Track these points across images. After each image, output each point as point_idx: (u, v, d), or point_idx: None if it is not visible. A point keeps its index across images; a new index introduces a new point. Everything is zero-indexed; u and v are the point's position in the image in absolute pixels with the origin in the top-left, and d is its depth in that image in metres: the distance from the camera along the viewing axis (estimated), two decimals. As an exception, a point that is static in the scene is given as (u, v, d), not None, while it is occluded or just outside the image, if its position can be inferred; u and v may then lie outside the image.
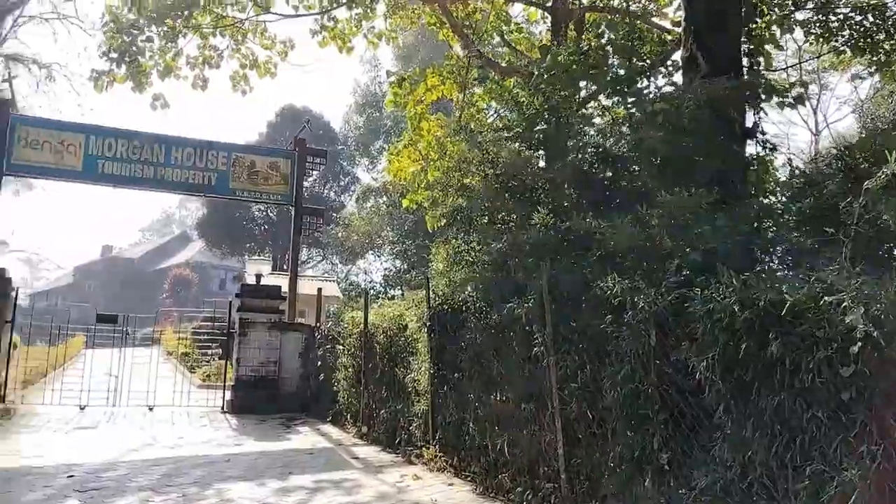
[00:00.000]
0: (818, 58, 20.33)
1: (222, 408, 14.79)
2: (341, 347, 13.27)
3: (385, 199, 30.53)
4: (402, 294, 23.66)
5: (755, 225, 6.96)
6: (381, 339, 11.67)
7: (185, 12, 16.23)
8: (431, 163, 17.17)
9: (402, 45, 39.26)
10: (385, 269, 31.49)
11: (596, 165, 8.87)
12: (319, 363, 14.58)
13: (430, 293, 9.83)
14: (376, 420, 11.30)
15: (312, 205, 18.37)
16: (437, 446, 9.18)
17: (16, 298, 14.00)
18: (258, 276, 15.43)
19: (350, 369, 12.69)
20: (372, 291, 32.26)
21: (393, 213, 30.13)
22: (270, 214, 42.51)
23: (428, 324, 9.64)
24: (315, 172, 17.64)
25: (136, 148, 15.54)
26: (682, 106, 7.98)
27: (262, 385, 14.85)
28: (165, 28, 16.13)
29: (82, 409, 14.15)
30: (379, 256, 32.01)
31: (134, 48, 15.81)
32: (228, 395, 14.94)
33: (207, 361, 24.08)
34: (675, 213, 6.63)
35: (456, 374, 9.12)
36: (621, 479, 5.97)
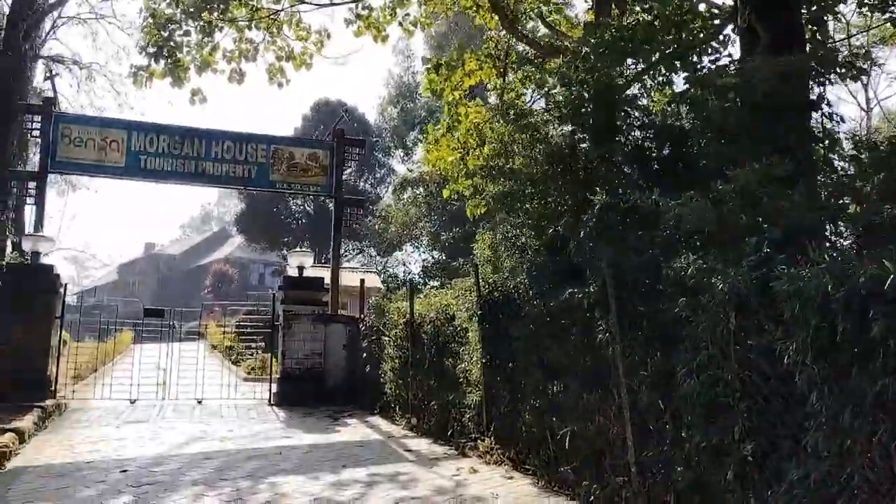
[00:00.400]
0: (867, 31, 19.59)
1: (269, 400, 14.72)
2: (387, 338, 13.08)
3: (422, 189, 30.29)
4: (442, 284, 23.45)
5: (831, 199, 6.57)
6: (429, 329, 11.45)
7: (221, 6, 16.14)
8: (471, 150, 16.89)
9: (434, 35, 39.01)
10: (423, 259, 31.37)
11: (654, 143, 8.54)
12: (365, 355, 14.42)
13: (480, 281, 9.56)
14: (426, 412, 11.09)
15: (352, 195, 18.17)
16: (492, 438, 8.93)
17: (64, 295, 14.03)
18: (300, 268, 15.31)
19: (397, 360, 12.50)
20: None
21: (431, 203, 29.91)
22: (308, 208, 42.58)
23: (479, 312, 9.37)
24: (353, 163, 17.35)
25: (176, 143, 15.49)
26: (754, 78, 7.58)
27: (307, 377, 14.74)
28: (202, 22, 16.06)
29: (132, 402, 14.18)
30: (417, 248, 31.83)
31: (171, 43, 15.75)
32: (275, 387, 14.86)
33: (251, 354, 24.13)
34: (749, 188, 6.26)
35: (510, 364, 8.87)
36: (699, 472, 5.66)
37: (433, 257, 31.89)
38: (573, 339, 7.54)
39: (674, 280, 5.80)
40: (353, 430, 11.49)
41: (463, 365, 9.99)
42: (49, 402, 12.48)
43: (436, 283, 29.80)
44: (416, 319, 11.84)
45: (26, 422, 10.58)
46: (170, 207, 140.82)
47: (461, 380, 10.00)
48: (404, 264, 33.00)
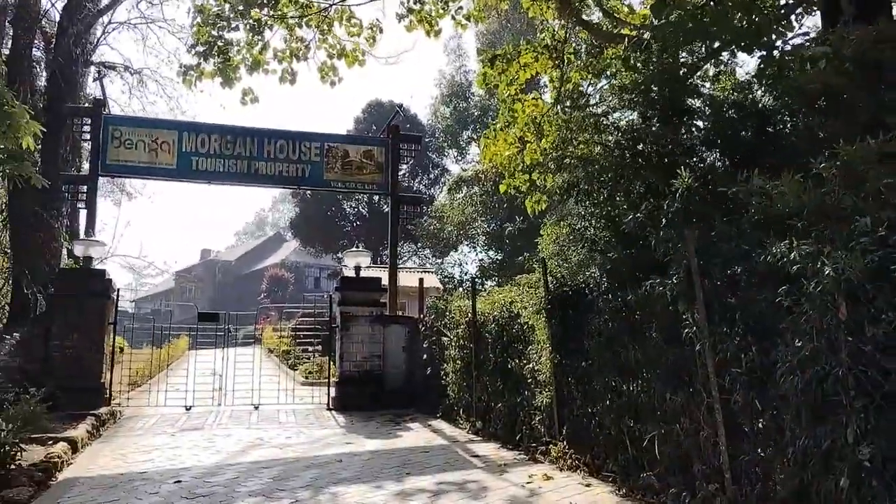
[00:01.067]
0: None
1: (327, 405, 14.34)
2: (448, 339, 12.56)
3: (478, 188, 29.71)
4: (499, 284, 22.81)
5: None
6: (492, 328, 10.90)
7: (271, 1, 15.86)
8: (528, 145, 16.31)
9: (485, 33, 38.50)
10: (480, 259, 30.79)
11: (735, 123, 7.85)
12: (425, 356, 13.93)
13: (548, 276, 8.96)
14: (492, 414, 10.53)
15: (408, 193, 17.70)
16: (564, 442, 8.32)
17: (117, 300, 13.89)
18: (357, 269, 14.91)
19: (459, 361, 11.97)
20: (467, 283, 31.61)
21: (487, 201, 29.34)
22: (362, 210, 42.44)
23: (548, 309, 8.78)
24: (409, 159, 16.90)
25: (228, 143, 15.27)
26: (845, 50, 6.85)
27: (366, 380, 14.32)
28: (251, 20, 15.80)
29: (188, 409, 13.95)
30: (474, 247, 31.26)
31: (221, 42, 15.54)
32: (333, 391, 14.48)
33: (308, 358, 23.91)
34: (854, 165, 5.54)
35: (583, 363, 8.26)
36: (804, 480, 4.98)
37: (489, 257, 31.30)
38: (654, 335, 6.92)
39: (771, 267, 5.15)
40: (415, 435, 10.98)
41: (530, 365, 9.40)
42: (103, 409, 12.31)
43: (492, 284, 29.26)
44: (478, 318, 11.31)
45: (80, 431, 10.37)
46: (225, 214, 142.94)
47: (529, 380, 9.41)
48: (460, 264, 32.52)
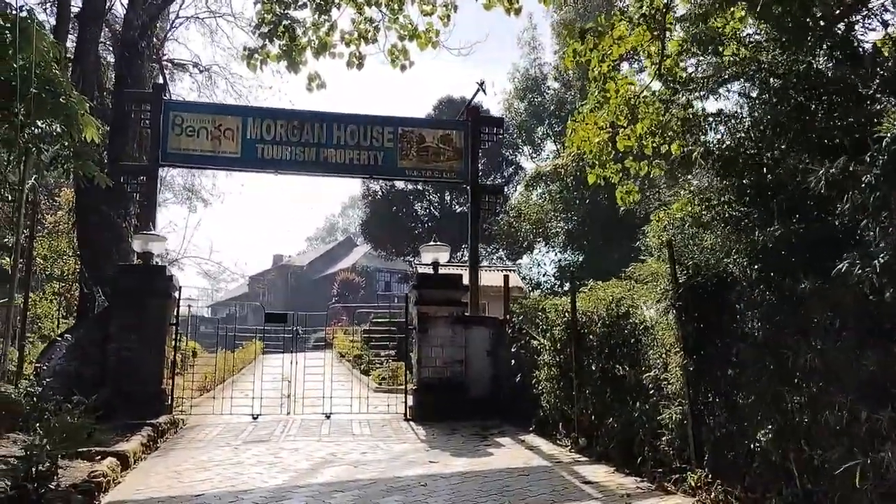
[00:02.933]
0: None
1: (404, 414, 12.95)
2: (541, 342, 11.02)
3: (557, 184, 28.02)
4: (577, 287, 20.94)
5: None
6: (598, 329, 9.31)
7: (341, -23, 14.68)
8: (620, 130, 14.65)
9: (562, 22, 36.76)
10: (559, 260, 29.09)
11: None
12: (513, 362, 12.40)
13: (676, 265, 7.33)
14: (600, 431, 8.91)
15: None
16: (707, 470, 6.66)
17: (179, 299, 12.81)
18: (436, 265, 13.48)
19: (555, 368, 10.41)
20: (546, 286, 29.95)
21: (567, 197, 27.64)
22: (433, 211, 41.22)
23: (678, 304, 7.14)
24: (491, 144, 15.43)
25: (295, 129, 14.08)
26: None
27: (447, 388, 12.86)
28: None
29: (255, 418, 12.76)
30: (553, 247, 29.55)
31: (286, 20, 14.39)
32: (410, 400, 13.08)
33: (381, 363, 22.65)
34: None
35: (728, 371, 6.61)
36: None
37: (567, 258, 29.58)
38: (841, 333, 5.26)
39: None
40: (509, 453, 9.45)
41: (652, 373, 7.78)
42: (163, 418, 11.19)
43: (566, 286, 27.48)
44: (579, 318, 9.73)
45: (132, 444, 9.21)
46: (296, 219, 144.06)
47: (650, 391, 7.78)
48: (538, 265, 30.87)
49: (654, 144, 13.31)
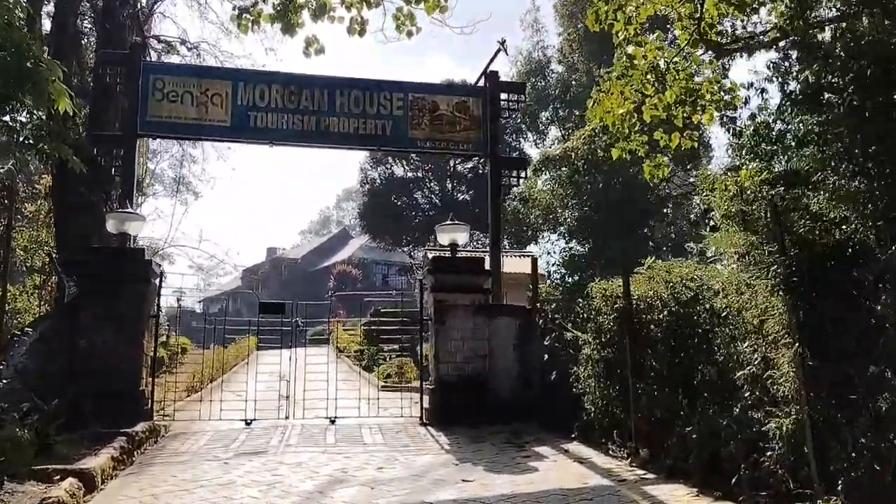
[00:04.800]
0: None
1: (420, 418, 11.36)
2: (583, 335, 9.43)
3: (566, 169, 26.32)
4: (585, 279, 19.46)
5: None
6: (661, 317, 7.73)
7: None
8: (648, 100, 13.11)
9: (565, 3, 35.12)
10: (569, 248, 27.42)
11: None
12: (546, 357, 10.79)
13: (783, 232, 5.75)
14: (669, 440, 7.30)
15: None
16: (842, 497, 5.08)
17: (160, 287, 11.18)
18: (454, 247, 11.85)
19: (601, 364, 8.81)
20: (555, 276, 28.32)
21: (579, 181, 25.94)
22: (435, 200, 39.59)
23: (793, 281, 5.55)
24: (513, 113, 13.77)
25: (292, 94, 12.41)
26: None
27: (468, 388, 11.24)
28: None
29: (248, 424, 11.16)
30: (563, 235, 27.87)
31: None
32: (426, 400, 11.49)
33: (385, 358, 21.06)
34: None
35: (871, 368, 5.03)
36: None
37: (577, 247, 27.88)
38: None
39: None
40: (556, 468, 7.83)
41: (745, 371, 6.19)
42: (140, 426, 9.53)
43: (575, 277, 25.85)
44: (635, 304, 8.15)
45: (101, 459, 7.56)
46: (289, 213, 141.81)
47: (747, 394, 6.19)
48: (549, 254, 29.17)
49: (686, 114, 11.89)
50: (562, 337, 10.48)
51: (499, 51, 13.33)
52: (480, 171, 39.08)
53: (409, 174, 40.01)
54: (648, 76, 13.84)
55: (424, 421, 11.20)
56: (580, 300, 9.82)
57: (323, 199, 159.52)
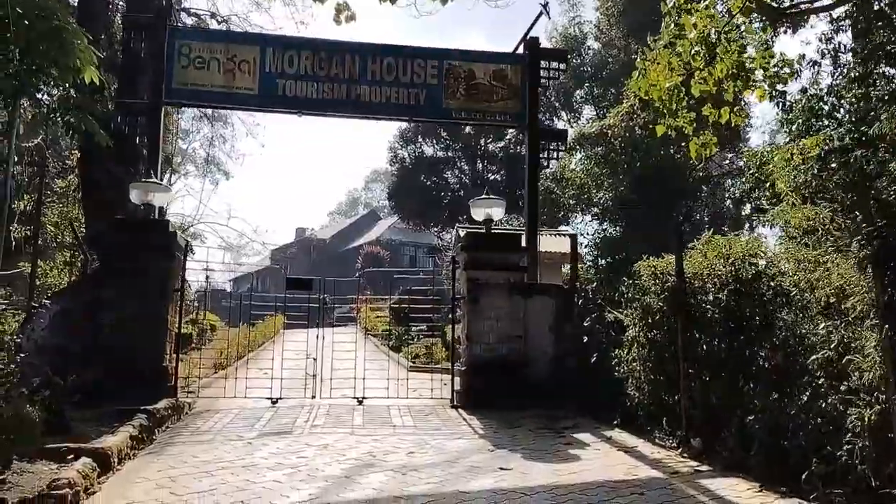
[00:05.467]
0: None
1: (451, 400, 10.87)
2: (627, 315, 8.86)
3: (602, 148, 25.55)
4: (618, 262, 18.65)
5: None
6: (719, 296, 7.13)
7: None
8: (697, 73, 12.40)
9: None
10: (603, 230, 26.66)
11: None
12: (585, 338, 10.23)
13: (871, 203, 5.13)
14: (725, 430, 6.72)
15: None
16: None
17: (185, 260, 10.79)
18: (488, 223, 11.29)
19: (648, 346, 8.23)
20: (586, 259, 27.57)
21: (616, 160, 25.15)
22: (465, 179, 38.96)
23: (883, 255, 4.94)
24: (553, 82, 13.09)
25: (322, 61, 11.87)
26: None
27: (501, 369, 10.73)
28: None
29: (274, 403, 10.76)
30: (598, 217, 27.09)
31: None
32: (457, 383, 11.01)
33: (413, 339, 20.61)
34: None
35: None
36: None
37: (612, 229, 27.09)
38: None
39: None
40: (600, 457, 7.28)
41: (818, 355, 5.59)
42: (162, 403, 9.16)
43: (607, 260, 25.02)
44: (688, 283, 7.56)
45: (118, 438, 7.18)
46: (318, 194, 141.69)
47: (819, 380, 5.59)
48: (583, 235, 28.38)
49: (736, 89, 11.28)
50: (602, 318, 9.93)
51: (540, 14, 12.67)
52: (512, 151, 38.38)
53: (440, 153, 39.41)
54: (698, 47, 13.12)
55: (455, 403, 10.72)
56: (624, 279, 9.22)
57: (351, 181, 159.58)
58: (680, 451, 7.19)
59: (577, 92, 37.34)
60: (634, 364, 8.54)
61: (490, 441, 8.12)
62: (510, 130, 38.07)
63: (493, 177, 38.30)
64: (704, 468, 6.60)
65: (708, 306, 7.27)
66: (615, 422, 8.82)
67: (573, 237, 12.45)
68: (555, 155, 12.80)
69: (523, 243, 11.88)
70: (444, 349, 18.57)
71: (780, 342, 6.29)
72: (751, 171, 16.47)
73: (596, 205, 27.44)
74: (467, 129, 38.11)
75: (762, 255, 7.01)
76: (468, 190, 38.05)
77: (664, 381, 7.91)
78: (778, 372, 6.23)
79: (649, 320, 8.25)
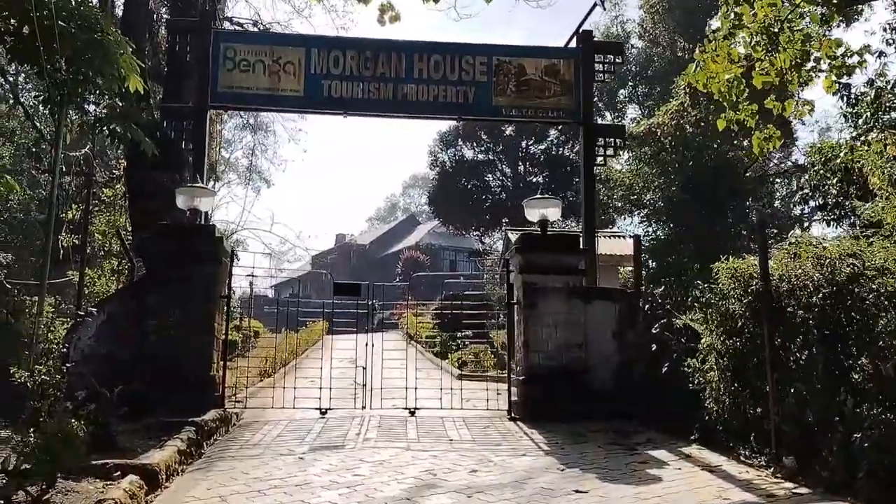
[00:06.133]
0: None
1: (508, 412, 10.35)
2: (703, 320, 8.26)
3: (650, 147, 24.80)
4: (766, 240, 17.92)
5: None
6: (813, 300, 6.52)
7: None
8: (758, 64, 11.75)
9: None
10: (654, 232, 25.83)
11: None
12: (654, 346, 9.62)
13: None
14: (826, 448, 6.09)
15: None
16: None
17: (231, 266, 10.45)
18: (544, 223, 10.76)
19: (729, 355, 7.62)
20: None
21: (666, 160, 24.39)
22: (506, 182, 38.45)
23: None
24: (608, 76, 12.52)
25: (367, 61, 11.48)
26: None
27: (562, 379, 10.16)
28: None
29: (323, 414, 10.36)
30: (647, 220, 26.27)
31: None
32: (514, 392, 10.49)
33: (459, 345, 20.10)
34: None
35: None
36: None
37: (659, 231, 26.23)
38: None
39: None
40: (682, 476, 6.68)
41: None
42: (210, 414, 8.83)
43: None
44: (775, 287, 6.96)
45: (166, 452, 6.83)
46: (356, 200, 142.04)
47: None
48: (630, 236, 27.55)
49: (801, 80, 10.66)
50: (671, 324, 9.34)
51: (594, 6, 12.15)
52: (553, 153, 37.84)
53: (480, 156, 38.99)
54: (758, 37, 12.42)
55: (513, 415, 10.19)
56: (698, 282, 8.63)
57: (390, 186, 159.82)
58: (771, 470, 6.57)
59: (621, 91, 36.62)
60: (712, 374, 7.93)
61: (558, 459, 7.57)
62: (552, 132, 37.58)
63: (534, 179, 37.70)
64: (803, 491, 5.97)
65: (800, 312, 6.65)
66: (692, 437, 8.20)
67: (636, 238, 11.81)
68: (612, 152, 12.19)
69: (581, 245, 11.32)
70: (492, 356, 18.03)
71: (889, 350, 5.66)
72: (815, 168, 15.70)
73: (644, 206, 26.72)
74: (508, 130, 37.66)
75: (860, 254, 6.36)
76: (510, 193, 37.59)
77: (748, 394, 7.30)
78: (885, 383, 5.60)
79: (729, 327, 7.65)
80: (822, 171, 14.54)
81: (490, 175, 38.93)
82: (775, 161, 31.22)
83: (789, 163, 30.94)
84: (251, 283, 21.59)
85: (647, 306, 10.21)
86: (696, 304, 8.79)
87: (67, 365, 8.40)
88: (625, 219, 28.62)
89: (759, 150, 11.14)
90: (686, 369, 8.43)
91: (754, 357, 7.15)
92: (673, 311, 9.50)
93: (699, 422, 8.09)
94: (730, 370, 7.57)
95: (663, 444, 8.12)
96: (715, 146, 23.69)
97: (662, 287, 10.01)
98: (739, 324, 7.42)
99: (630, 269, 14.35)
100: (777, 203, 30.84)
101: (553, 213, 10.95)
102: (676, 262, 23.34)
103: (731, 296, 7.56)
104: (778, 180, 31.06)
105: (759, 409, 7.05)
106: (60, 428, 5.33)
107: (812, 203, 19.33)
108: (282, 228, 77.40)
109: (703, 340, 8.16)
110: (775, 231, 28.03)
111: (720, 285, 7.77)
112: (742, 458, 7.12)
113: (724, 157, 25.33)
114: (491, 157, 38.69)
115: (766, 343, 6.83)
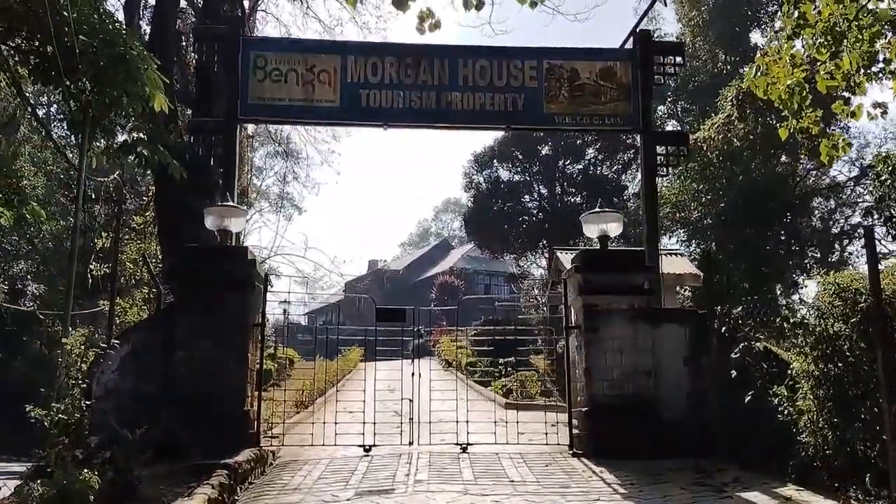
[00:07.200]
0: None
1: (570, 446, 9.40)
2: (792, 344, 7.28)
3: (696, 163, 23.74)
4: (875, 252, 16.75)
5: None
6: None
7: None
8: (822, 67, 10.82)
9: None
10: (702, 248, 24.69)
11: None
12: (735, 373, 8.59)
13: None
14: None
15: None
16: None
17: (265, 292, 9.69)
18: (604, 239, 9.84)
19: (827, 385, 6.62)
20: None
21: (714, 174, 23.36)
22: (544, 204, 37.46)
23: None
24: (669, 78, 11.62)
25: (408, 68, 10.72)
26: None
27: (629, 411, 9.18)
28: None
29: (367, 451, 9.47)
30: (692, 235, 25.19)
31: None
32: (576, 425, 9.53)
33: (500, 373, 19.07)
34: None
35: None
36: None
37: (708, 248, 25.12)
38: None
39: None
40: (794, 528, 5.71)
41: None
42: (244, 455, 7.98)
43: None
44: (889, 303, 5.98)
45: (195, 503, 5.99)
46: (390, 226, 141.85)
47: None
48: (680, 254, 26.40)
49: (869, 83, 9.85)
50: (751, 348, 8.34)
51: (652, 4, 11.26)
52: (591, 172, 36.83)
53: (516, 177, 38.11)
54: (822, 38, 11.44)
55: (576, 450, 9.22)
56: (787, 300, 7.64)
57: (421, 211, 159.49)
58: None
59: (659, 108, 35.59)
60: (809, 402, 6.92)
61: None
62: (589, 150, 36.69)
63: (572, 199, 36.70)
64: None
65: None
66: (788, 474, 7.16)
67: (707, 253, 10.92)
68: (674, 161, 11.25)
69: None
70: (538, 383, 17.12)
71: None
72: (881, 179, 14.62)
73: (691, 223, 25.68)
74: (545, 150, 36.78)
75: None
76: (546, 214, 36.62)
77: (857, 427, 6.28)
78: None
79: (830, 350, 6.65)
80: (890, 181, 13.52)
81: (526, 196, 37.98)
82: (813, 176, 29.74)
83: (826, 179, 29.64)
84: (285, 311, 20.94)
85: (723, 328, 9.21)
86: (782, 325, 7.79)
87: (87, 402, 7.69)
88: (669, 237, 27.49)
89: (827, 160, 10.25)
90: (772, 399, 7.43)
91: (861, 385, 6.14)
92: (754, 335, 8.50)
93: (794, 458, 7.05)
94: (830, 400, 6.56)
95: (754, 485, 7.08)
96: (766, 160, 22.62)
97: (740, 308, 8.98)
98: (843, 346, 6.42)
99: (689, 288, 13.32)
100: (815, 220, 29.15)
101: (614, 228, 10.01)
102: (725, 279, 22.22)
103: (833, 314, 6.57)
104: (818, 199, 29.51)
105: (870, 445, 6.03)
106: (69, 484, 4.53)
107: (875, 215, 18.15)
108: (315, 254, 77.23)
109: (793, 365, 7.15)
110: (817, 250, 26.72)
111: (820, 302, 6.78)
112: (853, 502, 6.08)
113: (774, 170, 24.24)
114: (527, 178, 37.77)
115: (881, 369, 5.83)
